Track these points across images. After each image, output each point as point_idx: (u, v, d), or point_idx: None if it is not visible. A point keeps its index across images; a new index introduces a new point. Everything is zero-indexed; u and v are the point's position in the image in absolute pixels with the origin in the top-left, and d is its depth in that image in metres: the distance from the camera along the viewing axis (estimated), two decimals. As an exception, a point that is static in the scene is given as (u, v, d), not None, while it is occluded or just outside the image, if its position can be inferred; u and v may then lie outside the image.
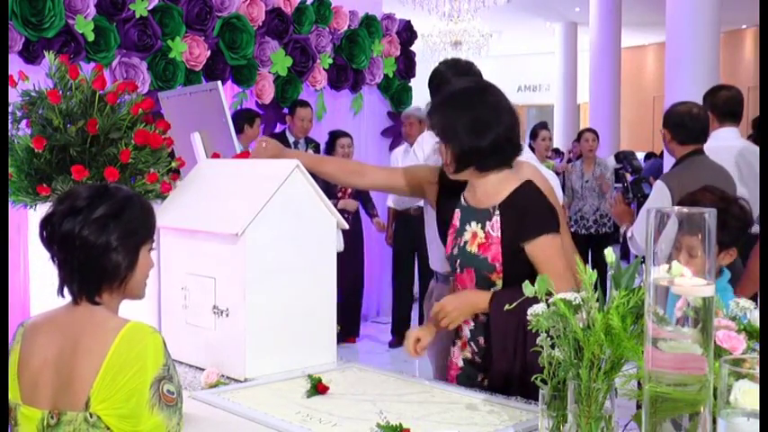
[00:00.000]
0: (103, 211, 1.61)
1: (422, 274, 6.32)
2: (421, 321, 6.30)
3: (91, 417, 1.52)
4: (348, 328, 6.05)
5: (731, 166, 3.93)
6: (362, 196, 6.19)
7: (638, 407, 1.42)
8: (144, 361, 1.54)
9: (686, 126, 3.71)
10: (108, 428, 1.52)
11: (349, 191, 6.04)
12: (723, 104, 4.21)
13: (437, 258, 2.93)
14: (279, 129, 6.06)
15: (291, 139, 5.91)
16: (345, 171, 2.74)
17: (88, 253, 1.60)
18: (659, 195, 3.60)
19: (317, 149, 6.06)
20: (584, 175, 7.08)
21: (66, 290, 1.64)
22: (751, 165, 4.06)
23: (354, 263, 6.01)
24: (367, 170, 2.68)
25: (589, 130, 7.57)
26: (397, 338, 6.30)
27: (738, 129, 4.31)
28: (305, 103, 5.90)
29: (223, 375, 2.16)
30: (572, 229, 6.75)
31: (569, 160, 10.49)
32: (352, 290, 6.02)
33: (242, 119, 5.36)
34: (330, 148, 6.04)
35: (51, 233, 1.62)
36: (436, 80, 2.94)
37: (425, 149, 3.15)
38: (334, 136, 6.06)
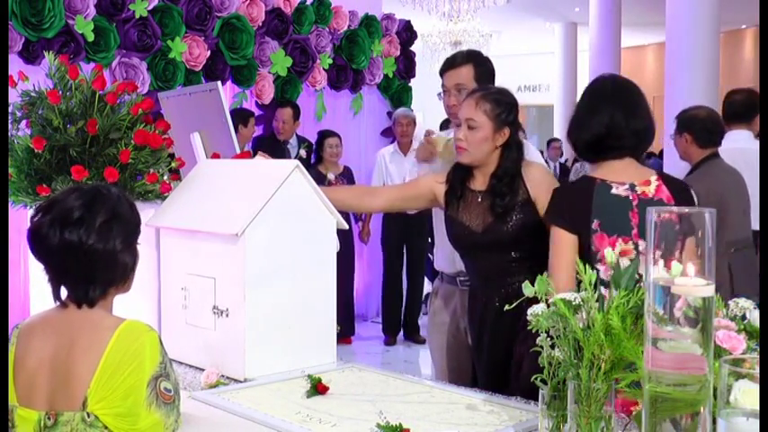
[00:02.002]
0: (104, 217, 1.61)
1: (410, 273, 6.37)
2: (409, 320, 6.35)
3: (88, 416, 1.51)
4: (343, 328, 6.06)
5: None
6: None
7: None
8: (140, 359, 1.54)
9: (709, 130, 3.83)
10: (105, 427, 1.52)
11: None
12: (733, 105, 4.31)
13: (443, 258, 2.94)
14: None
15: (281, 140, 5.91)
16: (357, 194, 2.78)
17: (98, 260, 1.60)
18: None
19: (309, 149, 6.06)
20: None
21: (61, 295, 1.63)
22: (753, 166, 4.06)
23: (345, 262, 6.02)
24: (378, 191, 2.71)
25: None
26: (390, 337, 6.32)
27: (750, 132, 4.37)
28: (284, 104, 5.87)
29: (223, 375, 2.16)
30: None
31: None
32: (345, 289, 6.03)
33: (236, 119, 5.35)
34: (319, 148, 6.04)
35: (47, 245, 1.59)
36: None
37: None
38: (323, 136, 6.07)
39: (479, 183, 2.56)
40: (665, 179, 2.33)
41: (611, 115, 2.27)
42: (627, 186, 2.27)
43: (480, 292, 2.57)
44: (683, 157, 3.98)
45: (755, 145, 4.32)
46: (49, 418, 1.54)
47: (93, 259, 1.59)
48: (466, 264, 2.66)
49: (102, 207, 1.62)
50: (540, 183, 2.50)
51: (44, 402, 1.56)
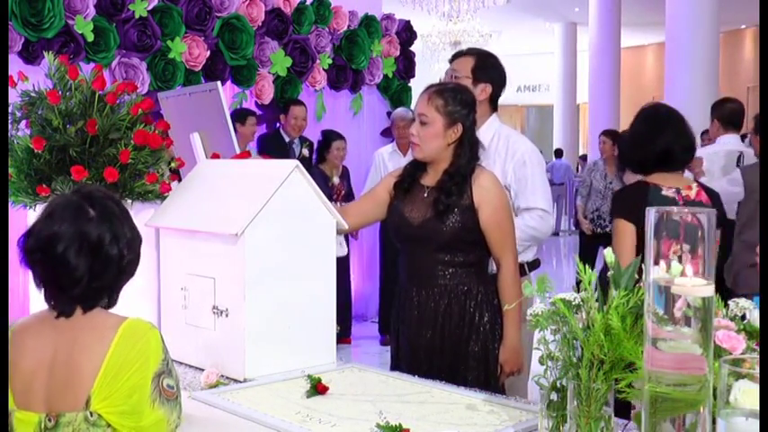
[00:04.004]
0: (130, 229, 1.62)
1: None
2: None
3: (91, 415, 1.51)
4: (342, 328, 6.05)
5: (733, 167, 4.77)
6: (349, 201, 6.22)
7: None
8: (146, 357, 1.53)
9: None
10: (109, 426, 1.51)
11: (342, 192, 6.05)
12: (729, 115, 5.06)
13: None
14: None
15: (287, 139, 5.91)
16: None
17: (127, 266, 1.62)
18: (735, 181, 4.26)
19: (311, 148, 6.06)
20: (606, 176, 7.10)
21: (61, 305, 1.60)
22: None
23: (342, 263, 6.00)
24: (347, 210, 2.68)
25: (605, 132, 7.62)
26: (386, 336, 6.32)
27: (739, 136, 5.18)
28: (299, 102, 5.88)
29: (223, 375, 2.16)
30: (588, 227, 6.93)
31: None
32: (341, 290, 6.01)
33: (233, 117, 5.34)
34: (323, 149, 6.03)
35: (72, 274, 1.55)
36: None
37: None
38: (329, 137, 6.04)
39: (430, 179, 2.55)
40: (702, 186, 2.94)
41: (670, 137, 2.85)
42: (674, 189, 2.83)
43: (406, 288, 2.58)
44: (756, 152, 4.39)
45: (744, 147, 5.15)
46: (49, 420, 1.52)
47: (122, 266, 1.61)
48: (400, 259, 2.67)
49: (115, 218, 1.61)
50: (487, 191, 2.48)
51: (43, 404, 1.54)
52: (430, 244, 2.49)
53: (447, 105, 2.48)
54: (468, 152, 2.51)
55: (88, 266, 1.55)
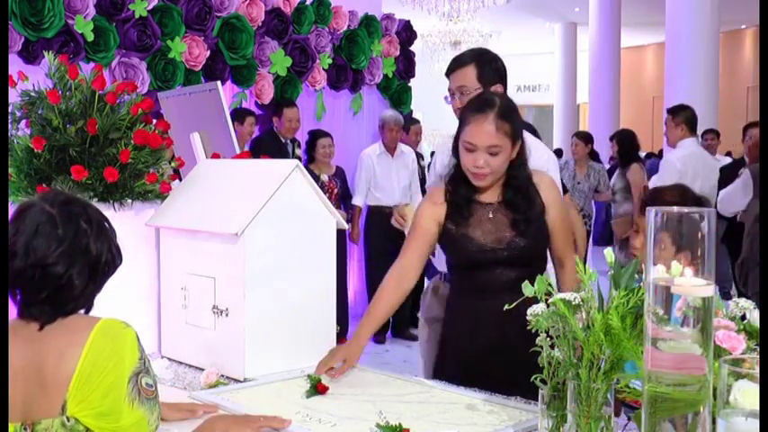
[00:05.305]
0: (113, 232, 1.60)
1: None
2: (395, 317, 6.31)
3: (68, 420, 1.47)
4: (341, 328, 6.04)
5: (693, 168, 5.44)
6: (345, 203, 6.21)
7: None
8: (120, 356, 1.50)
9: None
10: (87, 430, 1.48)
11: (335, 191, 6.04)
12: (692, 120, 5.63)
13: (444, 260, 2.93)
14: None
15: (282, 140, 5.91)
16: (397, 286, 2.46)
17: (113, 271, 1.61)
18: (745, 177, 4.74)
19: (300, 148, 6.07)
20: (575, 177, 7.21)
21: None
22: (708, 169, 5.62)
23: (339, 263, 5.95)
24: (404, 266, 2.45)
25: (577, 134, 7.70)
26: (378, 336, 6.31)
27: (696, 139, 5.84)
28: (291, 104, 5.86)
29: (223, 375, 2.16)
30: None
31: None
32: (340, 290, 5.98)
33: (232, 117, 5.32)
34: (311, 149, 6.03)
35: (71, 291, 1.53)
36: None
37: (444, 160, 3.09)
38: (315, 136, 6.04)
39: (488, 195, 2.40)
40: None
41: None
42: None
43: (467, 303, 2.45)
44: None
45: (701, 149, 5.85)
46: (25, 429, 1.48)
47: (113, 268, 1.60)
48: (457, 276, 2.53)
49: (96, 215, 1.60)
50: (553, 192, 2.43)
51: (18, 414, 1.49)
52: (515, 262, 2.35)
53: (512, 126, 2.32)
54: (523, 161, 2.39)
55: (86, 282, 1.54)
